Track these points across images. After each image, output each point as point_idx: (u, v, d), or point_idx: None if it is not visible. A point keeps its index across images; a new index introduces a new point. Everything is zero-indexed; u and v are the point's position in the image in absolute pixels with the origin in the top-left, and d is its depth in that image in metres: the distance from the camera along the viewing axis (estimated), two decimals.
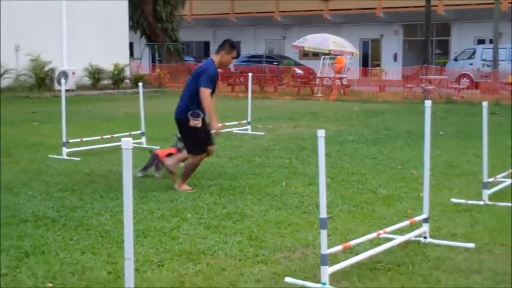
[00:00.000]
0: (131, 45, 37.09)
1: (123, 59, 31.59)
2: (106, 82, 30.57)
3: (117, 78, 30.72)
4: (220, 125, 8.71)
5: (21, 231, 6.47)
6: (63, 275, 5.22)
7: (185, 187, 8.41)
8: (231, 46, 8.62)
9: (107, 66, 30.19)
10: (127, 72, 31.73)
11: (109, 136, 12.11)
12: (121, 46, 31.82)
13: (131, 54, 38.08)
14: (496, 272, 5.28)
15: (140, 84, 13.76)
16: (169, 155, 9.05)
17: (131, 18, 35.38)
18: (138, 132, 12.56)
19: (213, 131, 8.63)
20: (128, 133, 12.24)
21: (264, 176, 9.40)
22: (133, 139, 12.14)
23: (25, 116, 18.03)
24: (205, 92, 8.23)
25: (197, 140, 8.40)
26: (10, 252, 5.79)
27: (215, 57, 8.59)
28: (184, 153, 8.72)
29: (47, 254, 5.75)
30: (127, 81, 31.20)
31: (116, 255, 5.64)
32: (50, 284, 5.01)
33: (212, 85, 8.40)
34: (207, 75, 8.31)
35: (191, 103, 8.32)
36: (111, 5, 30.84)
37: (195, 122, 8.22)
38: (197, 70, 8.52)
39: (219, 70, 8.78)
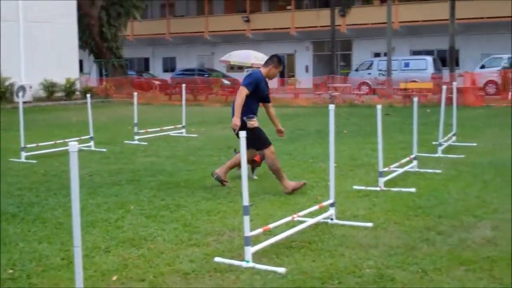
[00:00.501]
0: (81, 62, 36.37)
1: (74, 74, 31.03)
2: (59, 94, 29.92)
3: (69, 91, 30.13)
4: (237, 122, 7.72)
5: None
6: (22, 262, 5.08)
7: (291, 184, 7.71)
8: (279, 61, 8.06)
9: (60, 80, 29.60)
10: (78, 85, 31.14)
11: (61, 141, 11.85)
12: (72, 62, 31.23)
13: (81, 69, 37.38)
14: (390, 246, 5.37)
15: (88, 95, 13.54)
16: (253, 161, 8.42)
17: (80, 38, 34.73)
18: (87, 137, 12.34)
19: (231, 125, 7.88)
20: (78, 138, 12.01)
21: (197, 172, 9.36)
22: (83, 143, 12.04)
23: None
24: (241, 90, 7.74)
25: (261, 136, 7.93)
26: None
27: (263, 69, 8.02)
28: (233, 160, 8.28)
29: (8, 245, 5.58)
30: (78, 93, 30.59)
31: (68, 243, 5.51)
32: (11, 271, 4.87)
33: (255, 88, 7.80)
34: (252, 77, 7.83)
35: (244, 109, 7.73)
36: (62, 28, 30.27)
37: (252, 123, 7.75)
38: (242, 83, 7.96)
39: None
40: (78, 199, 3.45)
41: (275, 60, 8.01)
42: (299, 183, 7.73)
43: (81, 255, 3.56)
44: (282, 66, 8.16)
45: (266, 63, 8.05)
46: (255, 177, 8.67)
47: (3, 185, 8.45)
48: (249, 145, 7.54)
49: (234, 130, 7.61)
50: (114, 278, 4.68)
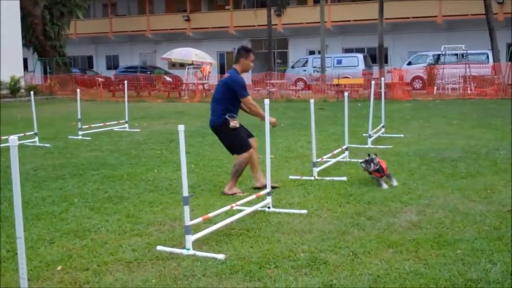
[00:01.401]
0: (25, 60, 35.47)
1: (18, 72, 30.23)
2: (4, 92, 29.09)
3: (14, 88, 29.33)
4: (274, 119, 7.34)
5: None
6: None
7: (234, 189, 7.24)
8: (246, 50, 7.44)
9: (5, 78, 28.80)
10: (22, 83, 30.35)
11: (6, 137, 11.49)
12: (16, 61, 30.39)
13: (26, 67, 36.44)
14: (323, 231, 5.45)
15: (32, 92, 13.18)
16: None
17: (24, 37, 33.83)
18: (32, 132, 12.03)
19: (272, 126, 7.23)
20: (22, 134, 11.73)
21: (139, 165, 9.27)
22: (28, 139, 11.74)
23: None
24: (249, 100, 7.25)
25: (241, 139, 7.32)
26: None
27: (237, 66, 7.37)
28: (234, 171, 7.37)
29: None
30: (22, 90, 29.79)
31: (13, 236, 5.35)
32: None
33: (247, 91, 7.40)
34: (241, 85, 7.23)
35: (226, 111, 7.25)
36: (6, 27, 29.40)
37: (235, 122, 7.24)
38: (226, 82, 7.31)
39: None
40: (19, 191, 3.38)
41: (242, 52, 7.42)
42: (240, 193, 7.16)
43: (25, 246, 3.48)
44: (251, 52, 7.50)
45: (236, 59, 7.42)
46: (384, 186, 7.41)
47: None
48: (232, 151, 7.46)
49: (218, 129, 7.34)
50: (59, 268, 4.60)
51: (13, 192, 3.43)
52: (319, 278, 4.30)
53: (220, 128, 7.33)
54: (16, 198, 3.40)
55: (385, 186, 7.27)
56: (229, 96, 7.28)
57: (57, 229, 5.67)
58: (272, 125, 7.20)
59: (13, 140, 3.37)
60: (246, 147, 7.34)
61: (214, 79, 32.91)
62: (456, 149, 9.99)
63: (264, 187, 6.64)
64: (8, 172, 8.70)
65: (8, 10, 29.77)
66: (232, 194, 7.12)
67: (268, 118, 6.44)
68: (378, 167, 7.37)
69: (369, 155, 7.57)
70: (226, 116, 7.23)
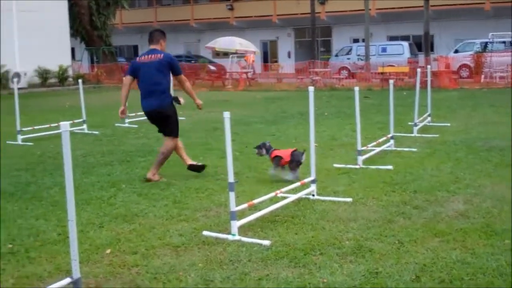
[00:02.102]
0: (72, 49, 36.12)
1: (66, 61, 30.85)
2: (52, 80, 29.76)
3: (62, 77, 29.97)
4: (201, 101, 7.84)
5: None
6: (21, 237, 5.10)
7: (156, 177, 7.28)
8: (164, 33, 7.60)
9: (53, 67, 29.46)
10: (70, 72, 30.98)
11: (56, 124, 11.76)
12: (64, 50, 31.05)
13: (73, 57, 37.12)
14: (368, 219, 5.43)
15: (80, 81, 13.46)
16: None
17: (71, 27, 34.49)
18: (80, 120, 12.29)
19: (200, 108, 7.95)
20: (71, 121, 11.97)
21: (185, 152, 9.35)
22: (77, 126, 11.99)
23: None
24: (184, 77, 7.50)
25: (177, 123, 7.54)
26: None
27: (160, 47, 7.39)
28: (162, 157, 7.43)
29: (6, 221, 5.60)
30: (70, 79, 30.42)
31: (64, 220, 5.50)
32: (10, 245, 4.89)
33: None
34: (178, 62, 7.48)
35: (168, 92, 7.42)
36: (54, 17, 30.07)
37: (183, 100, 7.56)
38: (168, 61, 7.27)
39: None
40: (71, 175, 3.47)
41: (162, 34, 7.53)
42: (158, 179, 7.22)
43: (76, 230, 3.57)
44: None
45: (157, 40, 7.43)
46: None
47: (1, 166, 8.42)
48: (173, 132, 7.46)
49: (165, 112, 7.36)
50: (108, 251, 4.71)
51: (65, 176, 3.52)
52: (364, 265, 4.28)
53: (169, 109, 7.35)
54: (68, 182, 3.49)
55: (287, 177, 7.10)
56: (168, 76, 7.35)
57: (106, 214, 5.79)
58: (199, 107, 7.83)
59: (65, 125, 3.45)
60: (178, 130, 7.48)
61: (257, 68, 33.00)
62: (504, 138, 9.78)
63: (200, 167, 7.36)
64: (59, 158, 8.93)
65: (55, 1, 30.34)
66: (157, 180, 7.15)
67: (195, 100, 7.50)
68: (269, 153, 7.40)
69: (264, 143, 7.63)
70: (174, 100, 7.35)
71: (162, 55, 7.27)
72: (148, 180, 7.18)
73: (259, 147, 7.63)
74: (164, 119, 7.40)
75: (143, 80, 7.26)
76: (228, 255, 4.57)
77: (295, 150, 7.31)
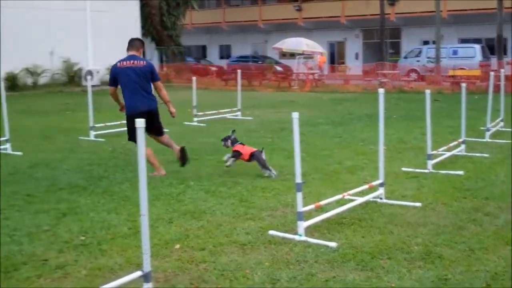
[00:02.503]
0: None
1: None
2: None
3: None
4: (174, 109, 8.19)
5: (58, 197, 6.51)
6: (93, 230, 5.27)
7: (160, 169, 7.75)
8: (140, 40, 8.10)
9: None
10: None
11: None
12: None
13: (144, 56, 37.92)
14: (438, 225, 5.33)
15: None
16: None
17: (143, 27, 35.24)
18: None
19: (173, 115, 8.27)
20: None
21: None
22: None
23: (59, 107, 17.96)
24: (161, 83, 8.00)
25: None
26: (50, 213, 5.83)
27: (138, 53, 7.83)
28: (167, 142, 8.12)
29: (79, 214, 5.80)
30: None
31: (134, 215, 5.67)
32: (83, 237, 5.06)
33: None
34: (156, 70, 7.96)
35: (153, 95, 7.87)
36: (126, 17, 30.77)
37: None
38: (150, 67, 7.75)
39: None
40: (144, 170, 3.55)
41: (140, 42, 8.07)
42: (160, 172, 7.69)
43: (147, 224, 3.66)
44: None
45: (138, 47, 7.91)
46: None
47: (74, 161, 8.71)
48: (160, 131, 7.98)
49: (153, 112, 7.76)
50: (177, 246, 4.80)
51: (139, 171, 3.61)
52: (433, 271, 4.20)
53: (157, 110, 7.82)
54: (142, 178, 3.57)
55: (266, 174, 7.48)
56: (150, 81, 7.77)
57: (175, 210, 5.90)
58: (172, 115, 8.10)
59: (140, 122, 3.54)
60: None
61: (324, 69, 32.84)
62: None
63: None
64: (129, 154, 9.17)
65: (128, 1, 31.10)
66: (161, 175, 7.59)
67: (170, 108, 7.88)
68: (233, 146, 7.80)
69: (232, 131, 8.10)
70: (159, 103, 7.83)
71: (144, 62, 7.77)
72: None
73: (225, 139, 8.04)
74: (155, 119, 7.80)
75: (130, 83, 7.57)
76: (295, 255, 4.57)
77: (255, 151, 7.60)
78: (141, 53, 7.86)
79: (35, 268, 4.36)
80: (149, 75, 7.69)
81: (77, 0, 28.53)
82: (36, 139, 11.04)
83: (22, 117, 14.70)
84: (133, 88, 7.56)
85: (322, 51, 30.02)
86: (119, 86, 7.68)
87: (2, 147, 9.58)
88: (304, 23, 43.05)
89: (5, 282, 4.12)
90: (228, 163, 7.79)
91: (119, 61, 7.72)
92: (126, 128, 7.75)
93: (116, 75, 7.66)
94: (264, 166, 7.54)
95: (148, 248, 3.69)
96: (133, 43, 7.84)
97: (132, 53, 7.77)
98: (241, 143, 7.85)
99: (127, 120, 7.68)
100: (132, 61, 7.64)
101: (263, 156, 7.59)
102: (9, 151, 9.49)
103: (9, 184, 7.19)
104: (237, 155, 7.71)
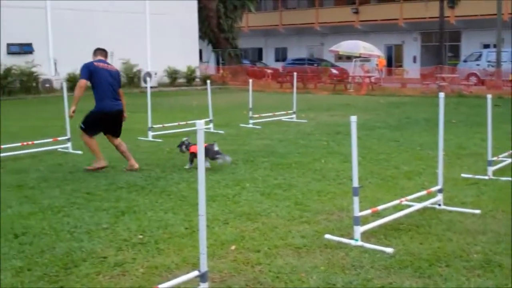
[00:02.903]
0: (200, 51, 37.36)
1: (194, 62, 31.96)
2: (181, 80, 30.94)
3: (190, 77, 31.09)
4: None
5: (117, 195, 6.64)
6: (151, 229, 5.35)
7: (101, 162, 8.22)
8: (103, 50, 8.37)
9: (182, 68, 30.62)
10: (198, 73, 32.04)
11: (184, 122, 12.27)
12: (193, 52, 32.17)
13: (200, 58, 38.40)
14: (498, 233, 5.18)
15: (208, 81, 13.91)
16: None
17: (200, 29, 35.67)
18: (207, 119, 12.67)
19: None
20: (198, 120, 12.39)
21: (307, 155, 9.40)
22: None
23: None
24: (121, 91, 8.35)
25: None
26: (109, 211, 5.95)
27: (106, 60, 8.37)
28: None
29: (138, 213, 5.90)
30: (198, 79, 31.48)
31: (191, 215, 5.74)
32: (141, 236, 5.14)
33: None
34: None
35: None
36: (184, 20, 31.27)
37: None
38: (117, 74, 8.25)
39: None
40: (203, 170, 3.58)
41: (97, 52, 8.29)
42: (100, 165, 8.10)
43: (205, 224, 3.69)
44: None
45: (106, 55, 8.33)
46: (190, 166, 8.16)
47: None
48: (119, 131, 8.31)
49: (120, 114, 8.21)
50: (233, 247, 4.82)
51: (198, 172, 3.64)
52: (493, 280, 4.09)
53: (122, 113, 8.19)
54: (201, 178, 3.61)
55: (220, 162, 8.03)
56: (119, 85, 8.25)
57: (231, 211, 5.94)
58: (124, 119, 8.35)
59: (200, 123, 3.59)
60: None
61: (381, 72, 32.49)
62: None
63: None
64: (186, 155, 9.26)
65: (185, 3, 31.53)
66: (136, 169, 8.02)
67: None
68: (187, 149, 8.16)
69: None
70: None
71: (115, 67, 8.33)
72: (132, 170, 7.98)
73: (180, 146, 8.40)
74: (120, 121, 8.29)
75: (105, 83, 7.98)
76: (351, 260, 4.53)
77: (206, 145, 7.59)
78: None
79: (94, 265, 4.46)
80: (119, 80, 8.25)
81: (136, 2, 29.11)
82: (96, 139, 11.26)
83: (81, 117, 15.05)
84: (107, 89, 8.01)
85: (379, 54, 29.69)
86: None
87: (63, 146, 9.84)
88: (361, 26, 42.69)
89: (65, 278, 4.23)
90: (187, 166, 8.14)
91: (93, 62, 8.08)
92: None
93: (92, 73, 7.94)
94: (212, 158, 7.93)
95: (205, 248, 3.72)
96: (100, 51, 8.30)
97: (102, 58, 8.21)
98: (194, 144, 7.92)
99: (95, 115, 8.11)
100: (106, 65, 8.12)
101: (215, 148, 7.99)
102: (70, 150, 9.75)
103: (69, 182, 7.39)
104: (193, 155, 7.98)
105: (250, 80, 15.22)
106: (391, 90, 26.52)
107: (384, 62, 30.02)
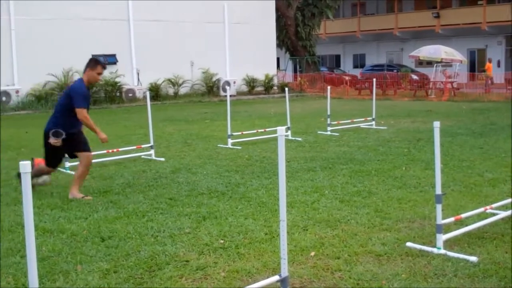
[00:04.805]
0: (278, 59, 37.58)
1: (272, 70, 32.13)
2: (259, 88, 31.20)
3: (268, 85, 31.28)
4: (105, 136, 7.20)
5: (199, 201, 6.79)
6: (231, 234, 5.43)
7: (77, 194, 7.09)
8: (95, 62, 7.20)
9: (260, 76, 30.87)
10: (275, 81, 32.20)
11: (262, 130, 12.38)
12: (270, 60, 32.35)
13: (278, 66, 38.64)
14: None
15: (286, 89, 13.98)
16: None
17: (277, 37, 35.88)
18: (285, 127, 12.73)
19: (103, 141, 7.27)
20: (276, 129, 12.46)
21: (387, 162, 9.27)
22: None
23: (199, 116, 18.71)
24: (82, 112, 6.97)
25: (48, 158, 7.21)
26: (191, 216, 6.09)
27: (84, 77, 7.17)
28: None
29: (218, 218, 6.00)
30: (275, 87, 31.64)
31: (271, 220, 5.80)
32: (222, 241, 5.24)
33: (87, 103, 7.17)
34: (80, 95, 7.00)
35: (60, 119, 7.04)
36: (262, 28, 31.47)
37: (54, 141, 6.95)
38: (68, 90, 7.15)
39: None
40: (284, 176, 3.62)
41: (91, 63, 7.17)
42: (82, 196, 7.01)
43: (286, 229, 3.73)
44: (100, 64, 7.20)
45: (84, 70, 7.19)
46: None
47: (213, 167, 9.06)
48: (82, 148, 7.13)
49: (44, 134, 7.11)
50: (312, 253, 4.83)
51: (279, 177, 3.69)
52: None
53: (44, 136, 7.07)
54: (281, 183, 3.65)
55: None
56: (70, 108, 7.01)
57: (310, 217, 5.95)
58: (102, 141, 7.20)
59: (281, 130, 3.65)
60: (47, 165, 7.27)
61: (463, 78, 31.60)
62: None
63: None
64: (265, 162, 9.37)
65: (264, 11, 31.82)
66: (81, 198, 6.97)
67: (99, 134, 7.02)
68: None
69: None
70: (50, 133, 6.96)
71: (73, 84, 7.36)
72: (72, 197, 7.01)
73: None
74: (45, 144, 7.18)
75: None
76: (433, 268, 4.44)
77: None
78: (87, 74, 7.16)
79: (177, 268, 4.58)
80: (68, 98, 7.10)
81: (216, 11, 29.63)
82: (178, 146, 11.59)
83: (164, 125, 15.51)
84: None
85: (461, 58, 28.88)
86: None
87: (147, 153, 10.16)
88: (443, 30, 41.68)
89: (149, 280, 4.37)
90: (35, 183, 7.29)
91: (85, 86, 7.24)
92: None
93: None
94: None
95: (286, 253, 3.75)
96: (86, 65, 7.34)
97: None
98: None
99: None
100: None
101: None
102: (153, 157, 10.04)
103: (153, 188, 7.61)
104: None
105: (329, 87, 15.18)
106: (475, 96, 25.75)
107: (491, 66, 29.53)
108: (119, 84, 25.55)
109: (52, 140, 6.95)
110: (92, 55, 8.11)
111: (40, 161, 7.41)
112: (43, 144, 7.17)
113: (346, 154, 10.13)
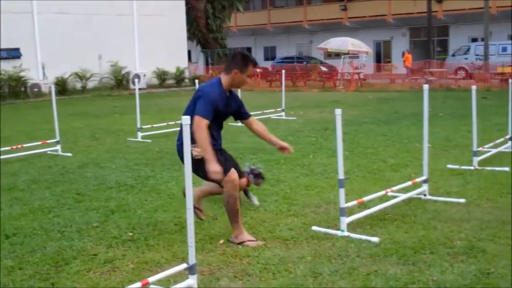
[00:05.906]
0: (189, 52, 37.42)
1: (183, 63, 32.01)
2: (170, 81, 30.99)
3: (179, 78, 31.12)
4: (218, 169, 4.73)
5: (107, 195, 6.72)
6: (140, 226, 5.43)
7: (245, 236, 4.95)
8: (246, 60, 5.05)
9: (171, 69, 30.66)
10: (187, 73, 32.09)
11: (173, 122, 12.32)
12: (181, 52, 32.19)
13: (189, 59, 38.46)
14: (482, 220, 5.29)
15: (197, 81, 13.96)
16: None
17: (188, 30, 35.70)
18: None
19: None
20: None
21: (296, 151, 9.33)
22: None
23: (108, 110, 18.40)
24: (198, 122, 4.78)
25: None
26: (99, 210, 6.03)
27: (224, 78, 5.08)
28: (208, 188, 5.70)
29: (127, 211, 5.97)
30: (187, 80, 31.53)
31: (181, 211, 5.81)
32: (131, 233, 5.22)
33: (214, 113, 4.92)
34: (206, 99, 4.91)
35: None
36: (172, 21, 31.26)
37: (198, 150, 4.81)
38: (197, 93, 5.06)
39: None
40: (190, 167, 3.66)
41: (239, 60, 5.04)
42: (254, 241, 4.89)
43: (193, 218, 3.77)
44: (252, 63, 5.11)
45: (228, 69, 5.09)
46: (257, 202, 6.21)
47: (123, 160, 8.96)
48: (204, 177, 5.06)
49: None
50: (221, 241, 4.92)
51: (184, 164, 3.73)
52: (476, 265, 4.20)
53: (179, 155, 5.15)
54: (187, 172, 3.69)
55: None
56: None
57: (220, 207, 6.00)
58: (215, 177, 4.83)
59: (186, 119, 3.66)
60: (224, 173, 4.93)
61: (369, 68, 32.67)
62: None
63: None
64: (176, 154, 9.34)
65: (173, 4, 31.57)
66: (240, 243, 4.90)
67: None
68: None
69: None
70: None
71: (204, 84, 5.38)
72: (233, 242, 5.00)
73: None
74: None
75: None
76: (337, 250, 4.63)
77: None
78: (233, 76, 5.05)
79: (84, 263, 4.54)
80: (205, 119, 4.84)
81: (125, 4, 29.13)
82: (86, 141, 11.37)
83: (72, 120, 15.15)
84: None
85: (368, 50, 29.86)
86: None
87: (53, 148, 9.91)
88: (350, 23, 42.87)
89: (56, 275, 4.31)
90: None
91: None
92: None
93: None
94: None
95: (193, 241, 3.80)
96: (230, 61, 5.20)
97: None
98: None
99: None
100: None
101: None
102: (60, 152, 9.81)
103: (59, 183, 7.45)
104: None
105: None
106: (380, 86, 26.69)
107: (410, 57, 30.53)
108: (23, 78, 24.65)
109: (195, 151, 4.76)
110: None
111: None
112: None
113: (256, 144, 10.24)
